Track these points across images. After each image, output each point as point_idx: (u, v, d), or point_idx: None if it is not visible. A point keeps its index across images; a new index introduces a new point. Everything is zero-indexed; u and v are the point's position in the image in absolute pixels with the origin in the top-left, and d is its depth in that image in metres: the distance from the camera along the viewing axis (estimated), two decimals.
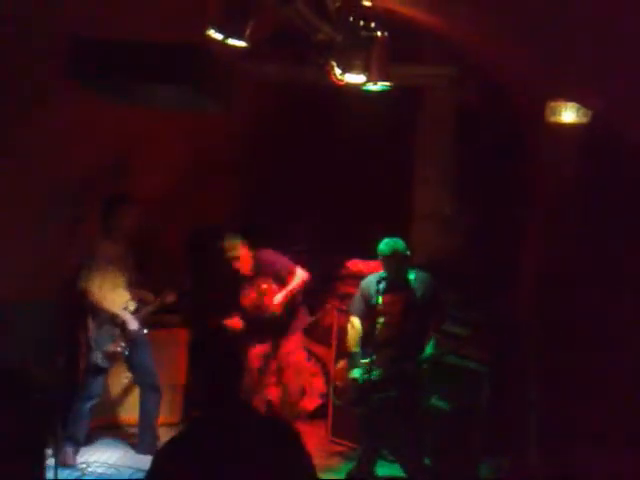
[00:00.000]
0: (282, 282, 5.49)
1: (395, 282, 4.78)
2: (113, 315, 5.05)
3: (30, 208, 4.73)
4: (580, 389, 4.31)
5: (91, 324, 5.07)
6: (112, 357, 5.10)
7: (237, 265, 5.44)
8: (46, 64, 4.06)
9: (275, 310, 5.44)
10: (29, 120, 4.30)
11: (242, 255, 5.44)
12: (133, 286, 5.23)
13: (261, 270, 5.49)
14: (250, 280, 5.52)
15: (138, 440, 5.32)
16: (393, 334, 4.74)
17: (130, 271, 5.22)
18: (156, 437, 5.25)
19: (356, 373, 4.75)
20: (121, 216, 5.07)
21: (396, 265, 4.73)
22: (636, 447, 3.86)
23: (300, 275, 5.49)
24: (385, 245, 4.74)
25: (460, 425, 5.02)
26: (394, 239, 4.75)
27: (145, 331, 5.20)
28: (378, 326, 4.78)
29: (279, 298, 5.45)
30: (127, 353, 5.12)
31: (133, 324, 5.09)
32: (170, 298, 5.32)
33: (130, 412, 5.77)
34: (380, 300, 4.76)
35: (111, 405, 5.67)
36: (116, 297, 5.11)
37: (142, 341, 5.21)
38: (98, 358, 5.05)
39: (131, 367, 5.33)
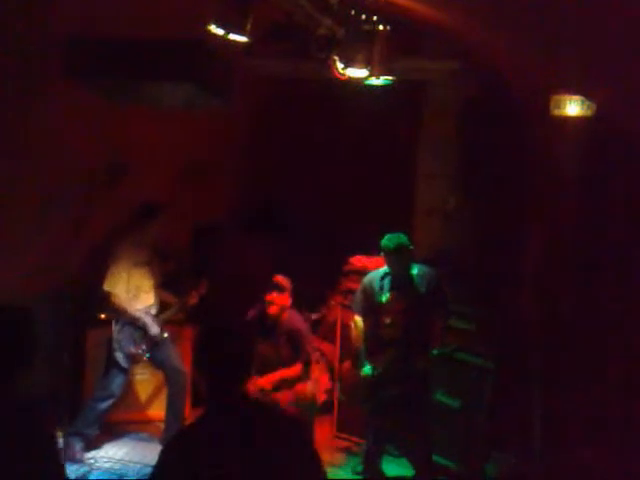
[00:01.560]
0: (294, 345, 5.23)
1: (398, 278, 4.76)
2: (135, 318, 5.12)
3: (32, 207, 4.74)
4: (584, 384, 4.30)
5: (114, 325, 5.15)
6: (133, 358, 5.18)
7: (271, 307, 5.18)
8: (44, 64, 4.06)
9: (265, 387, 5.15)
10: (27, 120, 4.30)
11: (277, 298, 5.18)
12: (157, 289, 5.32)
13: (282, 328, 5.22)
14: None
15: (164, 434, 5.34)
16: (398, 331, 4.71)
17: (156, 275, 5.31)
18: None
19: (367, 370, 4.74)
20: (154, 224, 5.20)
21: (400, 260, 4.71)
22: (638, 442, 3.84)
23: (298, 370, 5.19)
24: (389, 240, 4.71)
25: (465, 421, 5.00)
26: (397, 234, 4.73)
27: (165, 334, 5.25)
28: (383, 323, 4.77)
29: (268, 380, 5.13)
30: (148, 355, 5.20)
31: (154, 329, 5.17)
32: (192, 300, 5.39)
33: (139, 409, 5.82)
34: (384, 297, 4.75)
35: (120, 402, 5.67)
36: (139, 301, 5.19)
37: (165, 342, 5.26)
38: (120, 358, 5.13)
39: (157, 367, 5.42)
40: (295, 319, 5.27)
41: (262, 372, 5.14)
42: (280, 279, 5.21)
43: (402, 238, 4.72)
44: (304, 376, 5.20)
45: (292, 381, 5.17)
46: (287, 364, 5.19)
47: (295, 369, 5.18)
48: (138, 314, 5.13)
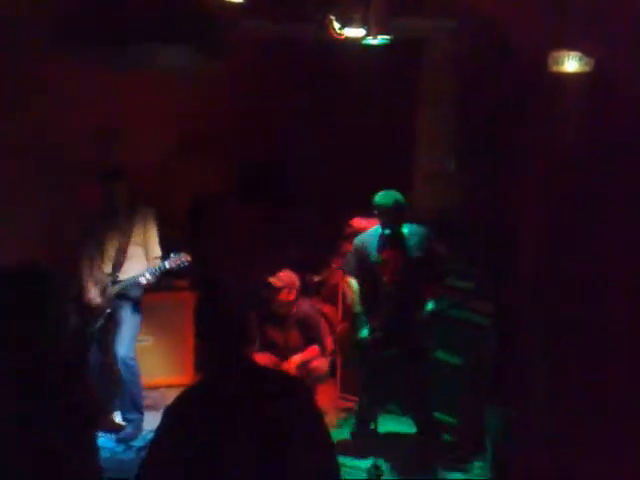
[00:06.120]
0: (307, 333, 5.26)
1: (392, 237, 4.71)
2: (84, 290, 5.00)
3: (23, 182, 4.71)
4: (584, 341, 4.33)
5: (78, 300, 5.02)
6: (95, 332, 5.02)
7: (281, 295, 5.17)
8: (39, 31, 4.02)
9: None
10: (19, 91, 4.27)
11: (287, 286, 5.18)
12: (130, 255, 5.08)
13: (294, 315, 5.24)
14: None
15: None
16: (394, 290, 4.70)
17: (131, 243, 5.04)
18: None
19: (364, 333, 4.75)
20: (119, 187, 4.97)
21: (393, 218, 4.65)
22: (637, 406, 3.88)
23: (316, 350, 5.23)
24: (383, 197, 4.64)
25: (467, 377, 5.06)
26: (391, 191, 4.67)
27: (108, 310, 5.02)
28: (379, 282, 4.74)
29: (296, 360, 5.13)
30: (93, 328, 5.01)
31: (93, 296, 4.97)
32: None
33: (143, 375, 5.87)
34: (378, 256, 4.71)
35: None
36: (104, 265, 5.05)
37: (121, 319, 5.06)
38: (85, 333, 5.01)
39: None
40: (305, 308, 5.29)
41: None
42: (285, 277, 5.16)
43: (396, 195, 4.65)
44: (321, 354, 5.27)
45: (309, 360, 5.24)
46: (295, 350, 5.21)
47: (312, 350, 5.21)
48: (88, 285, 4.97)
